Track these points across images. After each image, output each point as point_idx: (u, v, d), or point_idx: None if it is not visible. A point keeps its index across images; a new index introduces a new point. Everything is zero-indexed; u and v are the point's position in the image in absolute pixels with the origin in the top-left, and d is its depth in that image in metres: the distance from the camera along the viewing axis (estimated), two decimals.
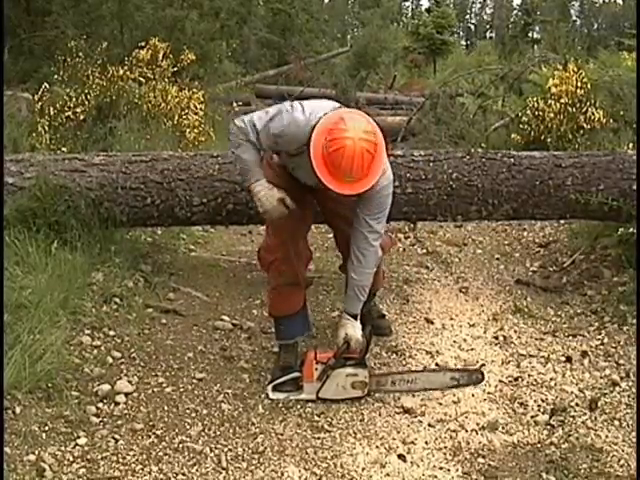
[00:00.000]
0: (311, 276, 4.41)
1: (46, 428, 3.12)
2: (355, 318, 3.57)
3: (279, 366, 3.77)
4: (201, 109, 8.65)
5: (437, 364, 4.00)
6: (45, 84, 7.57)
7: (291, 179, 3.61)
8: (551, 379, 3.81)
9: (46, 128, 6.94)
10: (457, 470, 3.03)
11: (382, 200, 3.45)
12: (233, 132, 3.50)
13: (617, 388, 3.66)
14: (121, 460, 3.01)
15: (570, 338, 4.32)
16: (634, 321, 4.25)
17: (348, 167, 3.09)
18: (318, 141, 3.16)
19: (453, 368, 3.89)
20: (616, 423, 3.35)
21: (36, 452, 2.95)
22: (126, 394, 3.50)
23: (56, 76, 8.16)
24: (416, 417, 3.43)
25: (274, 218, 3.51)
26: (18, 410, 3.14)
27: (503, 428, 3.34)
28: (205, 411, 3.43)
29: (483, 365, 3.95)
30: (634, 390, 3.59)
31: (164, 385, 3.65)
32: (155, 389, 3.61)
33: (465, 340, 4.33)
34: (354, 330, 3.53)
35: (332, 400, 3.51)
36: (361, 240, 3.49)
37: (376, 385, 3.58)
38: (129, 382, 3.60)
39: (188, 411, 3.42)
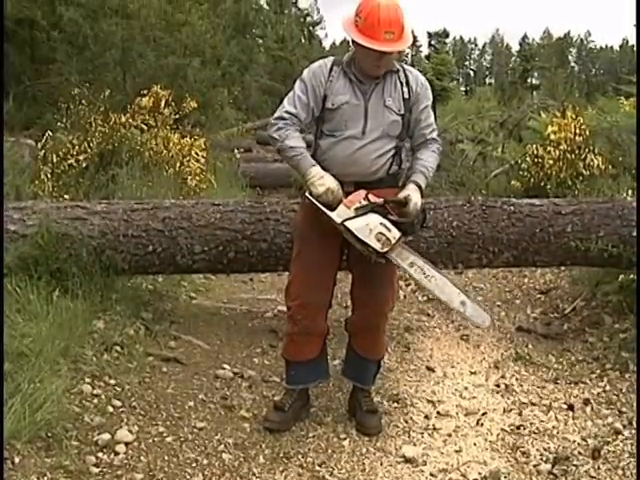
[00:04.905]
0: None
1: (45, 479, 3.09)
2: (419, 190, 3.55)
3: (273, 403, 3.82)
4: (202, 156, 8.72)
5: (439, 412, 3.98)
6: (48, 131, 7.64)
7: (323, 224, 3.51)
8: (553, 427, 3.79)
9: (49, 175, 7.00)
10: None
11: (427, 88, 3.84)
12: (271, 133, 3.57)
13: (620, 436, 3.64)
14: None
15: (572, 386, 4.30)
16: (636, 368, 4.23)
17: (386, 20, 3.29)
18: (349, 24, 3.40)
19: (470, 296, 3.62)
20: (619, 472, 3.32)
21: None
22: (126, 443, 3.46)
23: (59, 123, 8.24)
24: (417, 467, 3.41)
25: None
26: (17, 460, 3.11)
27: (505, 477, 3.31)
28: (206, 461, 3.41)
29: (485, 414, 3.93)
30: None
31: (165, 434, 3.62)
32: (155, 438, 3.58)
33: (466, 388, 4.32)
34: (416, 195, 3.48)
35: (332, 448, 3.50)
36: (426, 143, 3.73)
37: (396, 253, 3.41)
38: (129, 431, 3.57)
39: (189, 461, 3.40)
